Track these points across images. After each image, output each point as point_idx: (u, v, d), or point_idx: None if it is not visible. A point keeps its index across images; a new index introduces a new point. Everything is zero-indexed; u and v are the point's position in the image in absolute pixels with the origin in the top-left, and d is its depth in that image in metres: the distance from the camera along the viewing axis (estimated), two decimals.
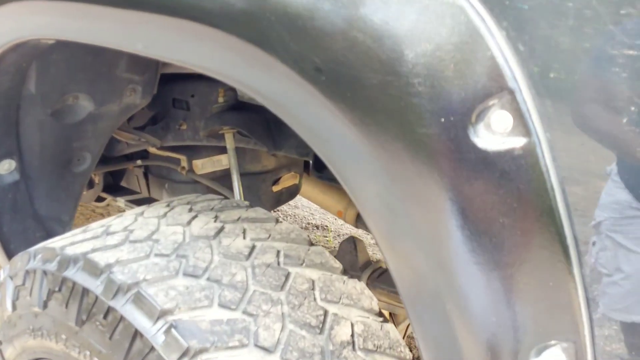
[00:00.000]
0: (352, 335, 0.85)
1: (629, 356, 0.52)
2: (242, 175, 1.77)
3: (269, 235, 0.97)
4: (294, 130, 0.68)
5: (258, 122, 1.40)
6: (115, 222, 1.00)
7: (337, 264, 0.96)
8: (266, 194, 1.83)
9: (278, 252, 0.93)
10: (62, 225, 1.38)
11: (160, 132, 1.54)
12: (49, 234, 1.37)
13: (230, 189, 1.55)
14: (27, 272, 0.95)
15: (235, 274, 0.86)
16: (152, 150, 1.61)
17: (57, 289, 0.88)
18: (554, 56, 0.46)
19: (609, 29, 0.45)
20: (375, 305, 0.93)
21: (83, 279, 0.85)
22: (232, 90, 1.42)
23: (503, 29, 0.48)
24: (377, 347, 0.87)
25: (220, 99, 1.42)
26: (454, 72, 0.50)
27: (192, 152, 1.69)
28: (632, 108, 0.45)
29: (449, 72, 0.50)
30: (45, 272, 0.91)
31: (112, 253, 0.87)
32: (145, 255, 0.87)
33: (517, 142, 0.48)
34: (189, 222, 0.97)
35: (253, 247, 0.92)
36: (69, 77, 1.19)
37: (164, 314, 0.77)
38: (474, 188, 0.49)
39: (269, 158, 1.80)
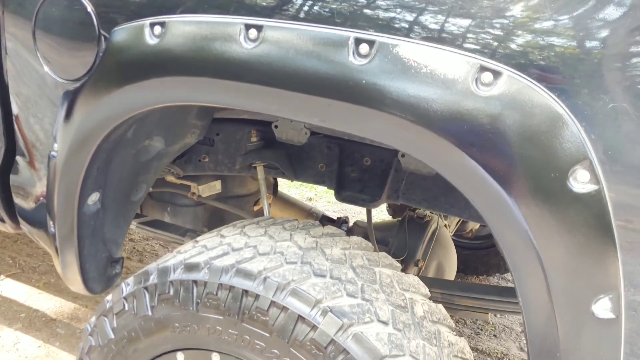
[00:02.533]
0: (424, 312, 1.25)
1: None
2: (232, 197, 2.09)
3: (350, 245, 1.33)
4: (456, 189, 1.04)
5: (284, 156, 1.73)
6: (231, 239, 1.30)
7: (398, 264, 1.34)
8: (249, 213, 2.15)
9: (362, 256, 1.30)
10: (117, 246, 1.61)
11: (182, 164, 1.81)
12: (110, 255, 1.59)
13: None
14: (171, 282, 1.22)
15: (347, 273, 1.21)
16: (169, 178, 1.87)
17: (213, 293, 1.16)
18: (613, 141, 0.90)
19: None
20: (427, 291, 1.32)
21: (240, 284, 1.15)
22: (263, 131, 1.74)
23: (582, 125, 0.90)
24: (439, 320, 1.27)
25: (254, 139, 1.73)
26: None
27: (192, 180, 1.97)
28: None
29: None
30: (195, 282, 1.19)
31: (256, 264, 1.18)
32: (280, 264, 1.19)
33: (592, 188, 0.91)
34: (292, 238, 1.30)
35: (345, 254, 1.28)
36: (157, 125, 1.45)
37: (318, 302, 1.11)
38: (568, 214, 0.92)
39: (253, 183, 2.12)
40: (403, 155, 1.55)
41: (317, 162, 1.74)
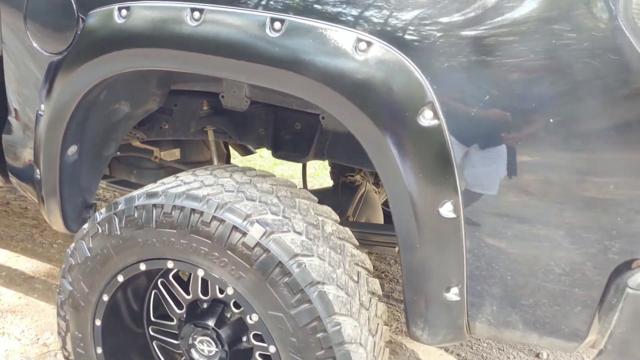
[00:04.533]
0: (332, 231, 1.62)
1: None
2: (190, 163, 2.45)
3: (277, 182, 1.70)
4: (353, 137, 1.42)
5: (230, 122, 2.10)
6: (183, 177, 1.66)
7: (315, 198, 1.72)
8: None
9: (286, 190, 1.67)
10: (91, 193, 1.95)
11: (146, 130, 2.16)
12: (85, 200, 1.94)
13: None
14: (136, 207, 1.57)
15: (272, 199, 1.58)
16: (135, 143, 2.22)
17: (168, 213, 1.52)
18: (448, 90, 1.28)
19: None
20: (337, 217, 1.70)
21: (189, 204, 1.51)
22: (213, 101, 2.10)
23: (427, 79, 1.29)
24: (344, 238, 1.64)
25: (205, 108, 2.10)
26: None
27: (156, 146, 2.32)
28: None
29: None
30: (154, 205, 1.55)
31: (202, 190, 1.54)
32: (221, 192, 1.55)
33: (435, 122, 1.29)
34: (232, 176, 1.67)
35: (273, 188, 1.65)
36: (124, 91, 1.80)
37: (248, 216, 1.47)
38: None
39: (208, 152, 2.49)
40: (323, 118, 1.93)
41: (257, 127, 2.11)
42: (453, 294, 1.43)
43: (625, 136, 1.23)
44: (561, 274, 1.35)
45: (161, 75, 1.84)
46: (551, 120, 1.26)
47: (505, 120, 1.29)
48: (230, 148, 2.72)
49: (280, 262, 1.44)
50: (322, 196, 2.61)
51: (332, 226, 1.64)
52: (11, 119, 1.89)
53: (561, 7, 1.22)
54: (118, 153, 2.27)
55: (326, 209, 1.70)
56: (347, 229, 1.69)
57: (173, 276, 1.72)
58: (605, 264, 1.31)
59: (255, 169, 1.78)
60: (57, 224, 1.91)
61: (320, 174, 4.58)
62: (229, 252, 1.47)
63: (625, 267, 1.31)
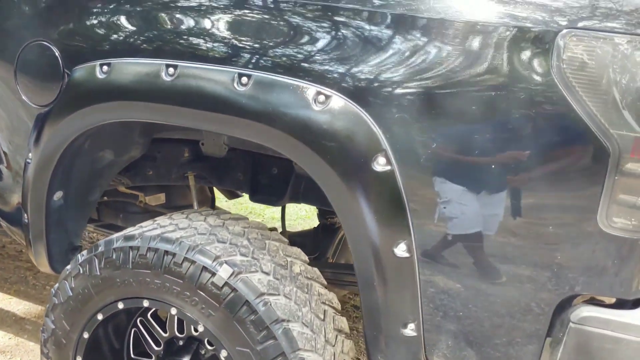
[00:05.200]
0: (300, 271, 1.71)
1: None
2: (175, 207, 2.55)
3: (249, 225, 1.80)
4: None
5: (210, 168, 2.21)
6: (160, 221, 1.75)
7: (285, 239, 1.81)
8: None
9: (257, 232, 1.76)
10: (77, 236, 2.05)
11: (131, 176, 2.27)
12: (71, 243, 2.03)
13: None
14: (114, 249, 1.66)
15: (242, 242, 1.67)
16: (121, 188, 2.32)
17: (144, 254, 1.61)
18: (400, 139, 1.39)
19: None
20: (306, 258, 1.79)
21: (163, 247, 1.60)
22: (194, 148, 2.22)
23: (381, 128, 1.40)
24: (312, 277, 1.73)
25: (186, 155, 2.21)
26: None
27: (142, 191, 2.43)
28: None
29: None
30: (131, 247, 1.64)
31: (175, 233, 1.64)
32: (193, 234, 1.65)
33: (388, 168, 1.40)
34: (205, 220, 1.76)
35: (245, 231, 1.75)
36: (108, 140, 1.92)
37: (217, 257, 1.56)
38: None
39: (190, 196, 2.59)
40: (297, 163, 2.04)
41: (236, 172, 2.22)
42: (410, 330, 1.51)
43: (562, 180, 1.34)
44: (509, 309, 1.43)
45: (143, 125, 1.96)
46: (492, 166, 1.36)
47: (450, 165, 1.39)
48: (216, 191, 2.83)
49: (247, 300, 1.52)
50: (304, 238, 2.72)
51: (300, 266, 1.73)
52: (2, 166, 2.00)
53: (499, 62, 1.33)
54: (105, 198, 2.38)
55: (296, 250, 1.79)
56: (316, 269, 1.78)
57: (151, 315, 1.80)
58: (549, 299, 1.39)
59: (229, 212, 1.88)
60: (44, 265, 2.00)
61: (310, 216, 4.67)
62: (200, 292, 1.56)
63: (567, 303, 1.39)
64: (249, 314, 1.52)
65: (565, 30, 1.28)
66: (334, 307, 1.73)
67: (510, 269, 1.40)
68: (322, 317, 1.66)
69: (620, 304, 1.39)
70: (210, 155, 2.10)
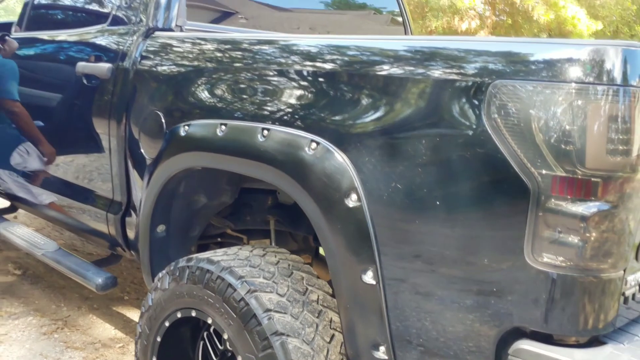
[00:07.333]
0: (317, 298, 1.96)
1: None
2: None
3: (286, 257, 2.11)
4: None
5: (286, 214, 2.59)
6: (234, 251, 2.16)
7: (314, 272, 2.08)
8: None
9: (289, 263, 2.07)
10: None
11: (234, 220, 2.74)
12: None
13: None
14: (179, 268, 2.10)
15: (270, 269, 1.99)
16: (229, 231, 2.80)
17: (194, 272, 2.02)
18: (369, 179, 1.62)
19: None
20: (330, 290, 2.03)
21: (205, 266, 1.99)
22: (275, 198, 2.63)
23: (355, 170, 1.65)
24: (328, 306, 1.96)
25: (269, 202, 2.63)
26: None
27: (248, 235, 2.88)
28: None
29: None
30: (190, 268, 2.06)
31: (218, 257, 2.03)
32: (234, 259, 2.02)
33: (358, 204, 1.63)
34: (252, 252, 2.13)
35: (278, 261, 2.07)
36: (199, 185, 2.42)
37: (241, 277, 1.91)
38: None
39: (293, 243, 2.96)
40: None
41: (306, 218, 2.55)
42: (382, 352, 1.67)
43: (494, 216, 1.45)
44: (460, 335, 1.53)
45: (229, 175, 2.42)
46: (437, 203, 1.52)
47: (405, 202, 1.58)
48: None
49: (254, 314, 1.83)
50: None
51: (319, 295, 1.98)
52: (130, 206, 2.61)
53: (441, 111, 1.53)
54: (219, 239, 2.87)
55: (321, 282, 2.05)
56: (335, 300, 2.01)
57: (213, 330, 2.18)
58: (490, 330, 1.47)
59: (280, 249, 2.22)
60: (150, 283, 2.53)
61: None
62: (225, 304, 1.91)
63: (511, 336, 1.46)
64: (255, 325, 1.82)
65: (496, 81, 1.44)
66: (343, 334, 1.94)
67: (458, 298, 1.52)
68: (327, 340, 1.88)
69: (581, 342, 1.42)
70: (283, 203, 2.48)
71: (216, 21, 3.18)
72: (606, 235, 1.36)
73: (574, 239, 1.35)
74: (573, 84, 1.35)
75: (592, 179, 1.33)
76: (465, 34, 10.49)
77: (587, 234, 1.33)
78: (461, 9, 10.11)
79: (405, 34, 3.98)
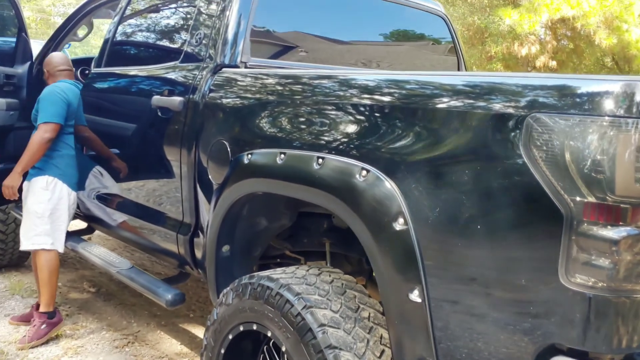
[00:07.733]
0: (369, 315, 2.09)
1: None
2: None
3: (340, 277, 2.26)
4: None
5: (340, 237, 2.75)
6: (293, 270, 2.32)
7: (366, 292, 2.22)
8: None
9: (342, 282, 2.21)
10: None
11: (293, 242, 2.91)
12: None
13: None
14: (241, 285, 2.28)
15: (324, 287, 2.14)
16: (287, 252, 2.98)
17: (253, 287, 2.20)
18: (415, 205, 1.76)
19: None
20: (381, 309, 2.16)
21: (267, 284, 2.16)
22: (330, 221, 2.78)
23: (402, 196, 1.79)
24: (379, 323, 2.09)
25: (325, 226, 2.79)
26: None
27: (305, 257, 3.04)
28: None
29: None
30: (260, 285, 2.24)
31: (278, 275, 2.20)
32: (292, 277, 2.18)
33: (405, 227, 1.76)
34: (308, 272, 2.29)
35: (333, 280, 2.21)
36: (261, 209, 2.60)
37: (298, 294, 2.06)
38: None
39: (347, 266, 3.10)
40: None
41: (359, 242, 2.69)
42: None
43: (532, 241, 1.56)
44: (500, 354, 1.63)
45: (288, 199, 2.60)
46: (478, 227, 1.64)
47: (449, 226, 1.71)
48: None
49: (310, 328, 1.98)
50: None
51: (370, 313, 2.12)
52: (198, 228, 2.83)
53: (482, 141, 1.65)
54: (278, 260, 3.05)
55: (373, 301, 2.18)
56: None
57: (273, 344, 2.34)
58: (528, 347, 1.57)
59: (334, 269, 2.37)
60: (215, 299, 2.72)
61: None
62: (283, 318, 2.07)
63: (547, 352, 1.55)
64: (311, 338, 1.97)
65: (533, 114, 1.56)
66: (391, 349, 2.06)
67: (500, 317, 1.62)
68: (378, 354, 2.01)
69: None
70: (338, 226, 2.63)
71: (278, 55, 3.40)
72: (637, 258, 1.44)
73: (605, 262, 1.44)
74: (605, 117, 1.46)
75: (622, 205, 1.43)
76: (525, 59, 10.47)
77: (618, 257, 1.43)
78: (521, 34, 10.10)
79: (458, 63, 4.10)
